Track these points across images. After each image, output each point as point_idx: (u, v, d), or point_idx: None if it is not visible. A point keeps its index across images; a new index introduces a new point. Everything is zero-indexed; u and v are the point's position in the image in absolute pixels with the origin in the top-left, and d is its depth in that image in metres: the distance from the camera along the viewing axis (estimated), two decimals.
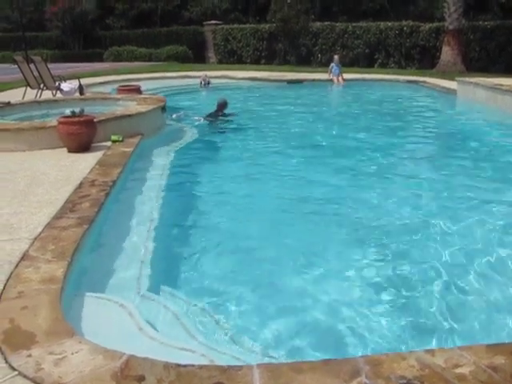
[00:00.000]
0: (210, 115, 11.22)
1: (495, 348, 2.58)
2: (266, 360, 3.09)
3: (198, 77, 19.76)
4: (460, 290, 4.11)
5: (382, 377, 2.33)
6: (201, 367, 2.45)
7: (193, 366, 2.45)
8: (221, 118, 11.17)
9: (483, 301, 3.95)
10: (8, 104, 9.95)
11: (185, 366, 2.44)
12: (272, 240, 5.21)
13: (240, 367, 2.45)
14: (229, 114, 11.31)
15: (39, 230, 4.26)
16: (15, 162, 6.85)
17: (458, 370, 2.38)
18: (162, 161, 7.78)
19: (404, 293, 4.08)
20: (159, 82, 19.13)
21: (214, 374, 2.38)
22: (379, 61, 26.77)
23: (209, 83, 18.60)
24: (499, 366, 2.41)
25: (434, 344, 3.35)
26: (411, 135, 10.77)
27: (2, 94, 14.70)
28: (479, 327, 3.61)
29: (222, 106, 11.26)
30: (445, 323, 3.65)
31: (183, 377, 2.37)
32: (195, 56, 31.71)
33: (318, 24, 28.31)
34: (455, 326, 3.61)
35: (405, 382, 2.29)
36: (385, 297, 4.02)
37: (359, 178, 7.50)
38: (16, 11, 36.27)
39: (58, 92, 12.94)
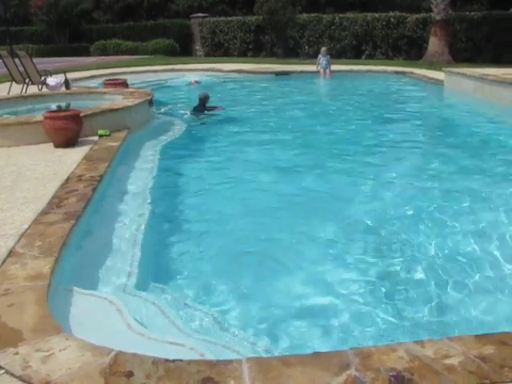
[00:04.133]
0: (195, 109, 11.21)
1: (484, 338, 2.59)
2: (257, 352, 3.09)
3: (186, 70, 19.68)
4: (449, 282, 4.13)
5: (371, 369, 2.33)
6: (189, 362, 2.44)
7: (181, 361, 2.43)
8: (207, 111, 11.14)
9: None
10: None
11: (173, 361, 2.43)
12: (261, 232, 5.19)
13: (229, 361, 2.44)
14: (214, 107, 11.29)
15: (26, 226, 4.22)
16: (0, 158, 6.78)
17: (448, 361, 2.39)
18: (149, 154, 7.74)
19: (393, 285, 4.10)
20: (146, 75, 19.04)
21: (202, 369, 2.37)
22: (366, 52, 26.77)
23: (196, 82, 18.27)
24: (488, 356, 2.42)
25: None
26: (398, 126, 10.76)
27: None
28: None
29: (204, 99, 11.27)
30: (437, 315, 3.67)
31: (172, 372, 2.36)
32: (182, 49, 31.54)
33: (305, 16, 28.22)
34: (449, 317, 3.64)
35: (394, 373, 2.29)
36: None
37: (345, 167, 7.52)
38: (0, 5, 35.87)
39: (44, 87, 12.81)
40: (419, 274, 4.23)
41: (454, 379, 2.27)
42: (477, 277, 4.16)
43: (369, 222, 5.34)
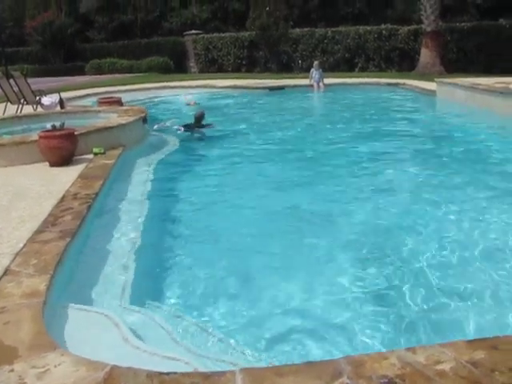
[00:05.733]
0: (188, 126, 11.24)
1: (475, 343, 2.62)
2: (251, 363, 3.11)
3: (180, 87, 19.86)
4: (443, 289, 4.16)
5: (363, 377, 2.34)
6: (183, 374, 2.46)
7: (175, 373, 2.45)
8: (200, 128, 11.20)
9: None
10: None
11: (167, 373, 2.44)
12: (256, 248, 5.21)
13: (223, 373, 2.46)
14: (206, 125, 11.34)
15: (21, 244, 4.24)
16: None
17: (439, 367, 2.41)
18: (144, 171, 7.78)
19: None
20: (140, 93, 19.15)
21: (196, 381, 2.38)
22: (359, 65, 27.00)
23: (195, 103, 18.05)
24: (479, 361, 2.44)
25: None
26: (392, 138, 10.82)
27: None
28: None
29: (200, 118, 11.33)
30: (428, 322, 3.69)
31: None
32: (176, 66, 31.72)
33: (298, 30, 28.48)
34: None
35: (386, 381, 2.32)
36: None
37: (340, 182, 7.55)
38: None
39: (39, 106, 12.90)
40: (417, 283, 4.26)
41: None
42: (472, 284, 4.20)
43: (364, 234, 5.38)
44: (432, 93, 16.30)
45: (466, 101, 13.65)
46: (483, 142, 9.85)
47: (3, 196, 5.91)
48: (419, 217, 5.80)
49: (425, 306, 3.89)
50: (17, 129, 9.70)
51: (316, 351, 3.39)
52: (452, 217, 5.73)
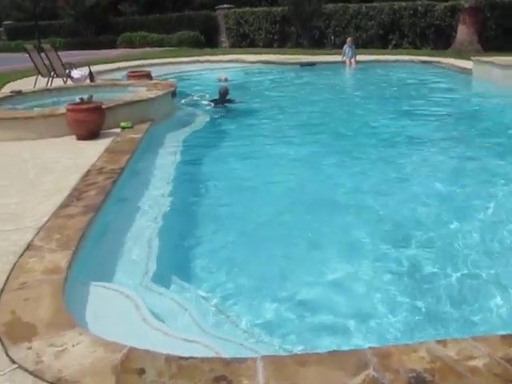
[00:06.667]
0: (216, 101, 11.15)
1: (510, 338, 2.48)
2: (273, 349, 3.02)
3: (211, 61, 19.69)
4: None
5: (390, 370, 2.24)
6: (203, 360, 2.38)
7: (195, 358, 2.37)
8: (227, 104, 11.09)
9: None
10: (19, 93, 9.94)
11: (186, 358, 2.37)
12: (284, 227, 5.11)
13: (244, 360, 2.37)
14: (234, 101, 11.22)
15: (45, 219, 4.22)
16: (26, 151, 6.85)
17: (471, 363, 2.28)
18: (172, 146, 7.72)
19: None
20: (170, 67, 19.04)
21: (216, 367, 2.31)
22: (393, 42, 26.32)
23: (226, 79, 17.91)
24: None
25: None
26: (425, 117, 10.52)
27: (14, 83, 14.74)
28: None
29: (224, 93, 11.22)
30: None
31: (185, 370, 2.30)
32: (208, 41, 31.44)
33: (331, 6, 27.88)
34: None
35: (414, 375, 2.20)
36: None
37: (373, 159, 7.38)
38: (29, 0, 36.28)
39: (69, 79, 12.92)
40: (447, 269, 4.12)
41: (477, 382, 2.17)
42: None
43: (396, 215, 5.23)
44: (468, 71, 15.80)
45: (503, 80, 13.20)
46: None
47: (30, 169, 5.91)
48: (449, 198, 5.63)
49: None
50: (47, 102, 9.71)
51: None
52: (493, 199, 5.52)
